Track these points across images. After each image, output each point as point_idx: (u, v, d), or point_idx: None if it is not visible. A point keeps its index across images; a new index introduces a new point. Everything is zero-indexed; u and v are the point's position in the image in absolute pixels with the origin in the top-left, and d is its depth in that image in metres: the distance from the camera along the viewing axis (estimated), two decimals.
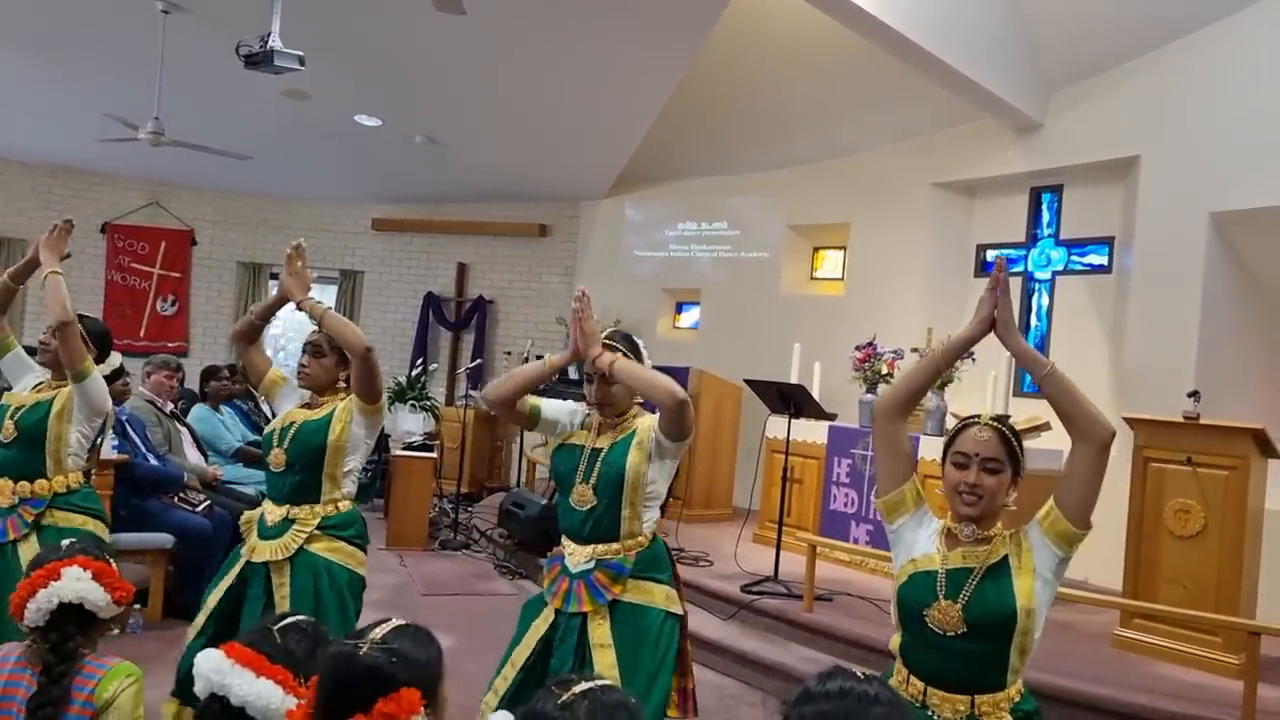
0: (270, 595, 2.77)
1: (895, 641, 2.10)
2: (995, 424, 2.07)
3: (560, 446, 2.66)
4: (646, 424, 2.58)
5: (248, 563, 2.82)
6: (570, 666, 2.41)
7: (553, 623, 2.51)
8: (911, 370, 2.25)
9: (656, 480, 2.56)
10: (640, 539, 2.52)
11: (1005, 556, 2.01)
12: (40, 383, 3.22)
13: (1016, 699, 1.97)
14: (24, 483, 3.04)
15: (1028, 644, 1.96)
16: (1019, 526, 2.07)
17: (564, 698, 1.31)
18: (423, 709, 1.42)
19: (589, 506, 2.52)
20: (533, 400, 2.69)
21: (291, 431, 2.85)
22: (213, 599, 2.83)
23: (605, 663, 2.39)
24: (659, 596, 2.51)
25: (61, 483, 3.08)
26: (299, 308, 2.84)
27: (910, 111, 7.41)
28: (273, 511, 2.85)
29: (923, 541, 2.09)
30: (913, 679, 2.00)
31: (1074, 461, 1.98)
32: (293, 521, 2.81)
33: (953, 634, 1.94)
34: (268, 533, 2.82)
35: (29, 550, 2.93)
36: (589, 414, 2.71)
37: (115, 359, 3.32)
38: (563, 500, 2.60)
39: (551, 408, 2.72)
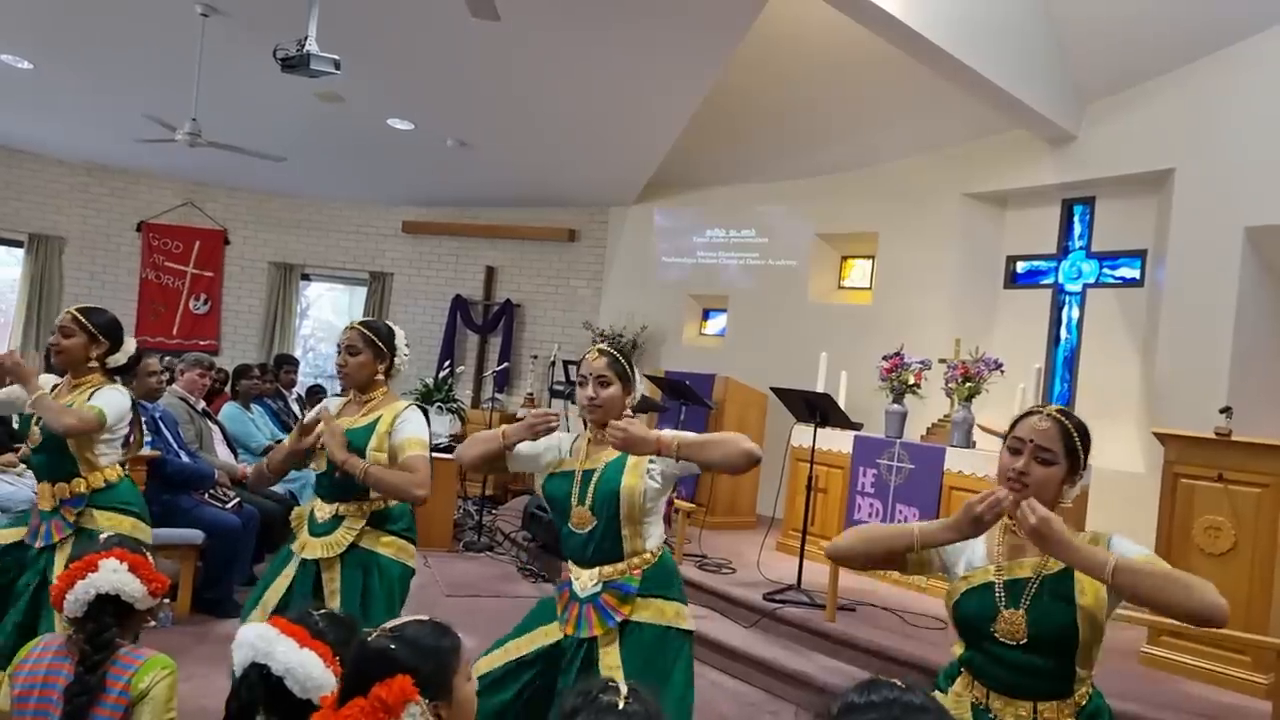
0: (319, 593, 2.80)
1: (957, 651, 2.06)
2: (1059, 415, 2.00)
3: (550, 476, 2.60)
4: None
5: (301, 560, 2.85)
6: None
7: (560, 645, 2.48)
8: (884, 533, 2.05)
9: (656, 497, 2.50)
10: (646, 555, 2.48)
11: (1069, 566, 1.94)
12: (58, 384, 3.24)
13: (1083, 703, 1.93)
14: (62, 484, 3.08)
15: (1094, 655, 1.91)
16: (1095, 532, 1.98)
17: (622, 705, 1.33)
18: (420, 697, 1.45)
19: (589, 528, 2.48)
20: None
21: None
22: (271, 596, 2.83)
23: None
24: (669, 613, 2.47)
25: (98, 479, 3.12)
26: (342, 467, 2.77)
27: (942, 121, 7.38)
28: (322, 509, 2.88)
29: (970, 554, 2.05)
30: (976, 684, 1.98)
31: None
32: (343, 518, 2.85)
33: (1017, 644, 1.90)
34: (318, 530, 2.85)
35: (62, 560, 2.95)
36: (576, 438, 2.66)
37: (130, 345, 3.29)
38: (562, 528, 2.56)
39: (526, 446, 2.61)
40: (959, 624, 2.02)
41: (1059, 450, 1.96)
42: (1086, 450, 2.00)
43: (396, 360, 3.01)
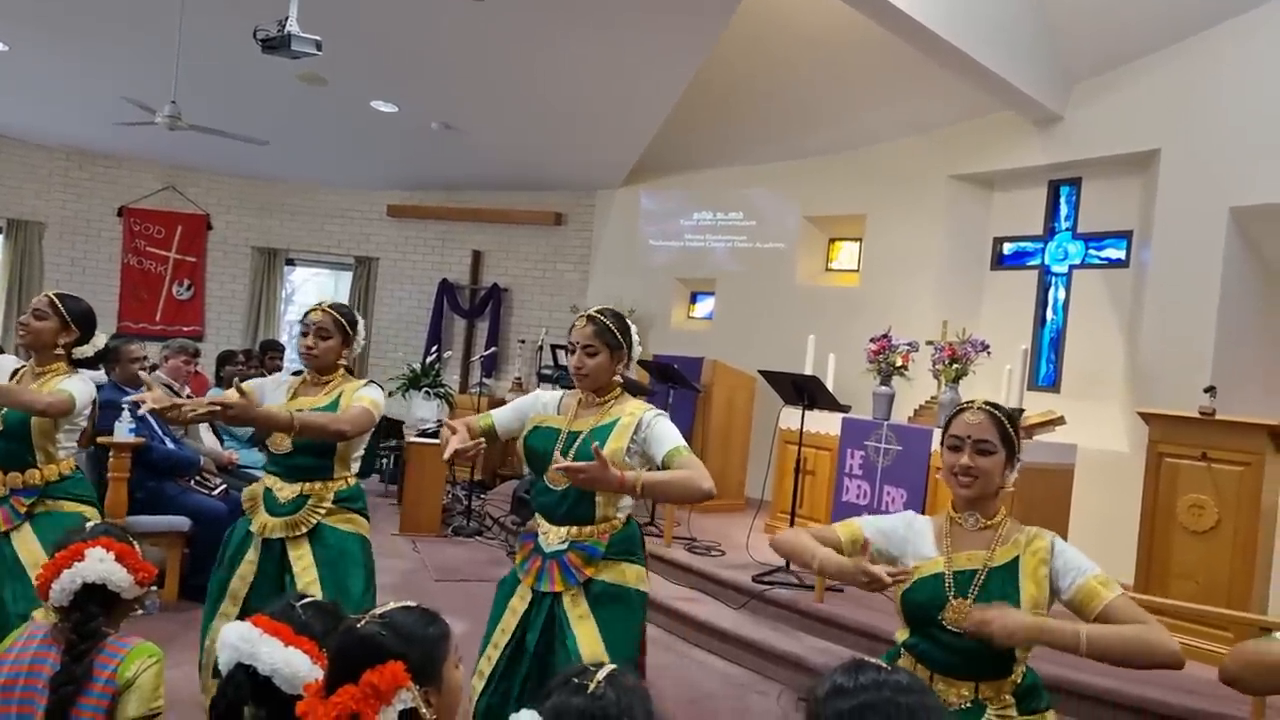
0: (281, 573, 2.82)
1: (901, 636, 2.12)
2: (987, 407, 2.10)
3: (535, 428, 2.63)
4: (633, 413, 2.55)
5: (262, 541, 2.86)
6: (541, 643, 2.44)
7: (529, 600, 2.53)
8: (804, 544, 2.13)
9: (634, 470, 2.52)
10: (615, 521, 2.53)
11: (1015, 559, 2.02)
12: (21, 368, 3.19)
13: (1019, 681, 2.01)
14: (15, 474, 3.04)
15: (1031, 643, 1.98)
16: (1039, 530, 2.07)
17: (592, 688, 1.33)
18: (412, 683, 1.45)
19: (564, 487, 2.50)
20: (484, 421, 2.68)
21: None
22: (239, 585, 2.85)
23: (588, 635, 2.40)
24: (631, 576, 2.52)
25: (53, 471, 3.09)
26: (266, 424, 2.78)
27: (929, 103, 7.37)
28: (283, 489, 2.88)
29: (918, 545, 2.13)
30: (919, 667, 2.04)
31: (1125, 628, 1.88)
32: (307, 498, 2.86)
33: (963, 631, 1.96)
34: (281, 510, 2.86)
35: (23, 540, 2.96)
36: (565, 395, 2.69)
37: (99, 340, 3.26)
38: (538, 481, 2.60)
39: (506, 416, 2.70)
40: (908, 610, 2.08)
41: (995, 439, 2.06)
42: (1018, 435, 2.11)
43: (356, 345, 3.05)
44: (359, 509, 2.98)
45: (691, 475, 2.37)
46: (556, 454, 2.53)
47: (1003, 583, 1.99)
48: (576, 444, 2.51)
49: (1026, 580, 1.98)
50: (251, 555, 2.87)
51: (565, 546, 2.49)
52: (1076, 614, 1.95)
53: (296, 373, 3.14)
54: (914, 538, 2.14)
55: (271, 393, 2.99)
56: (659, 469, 2.47)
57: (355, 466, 3.02)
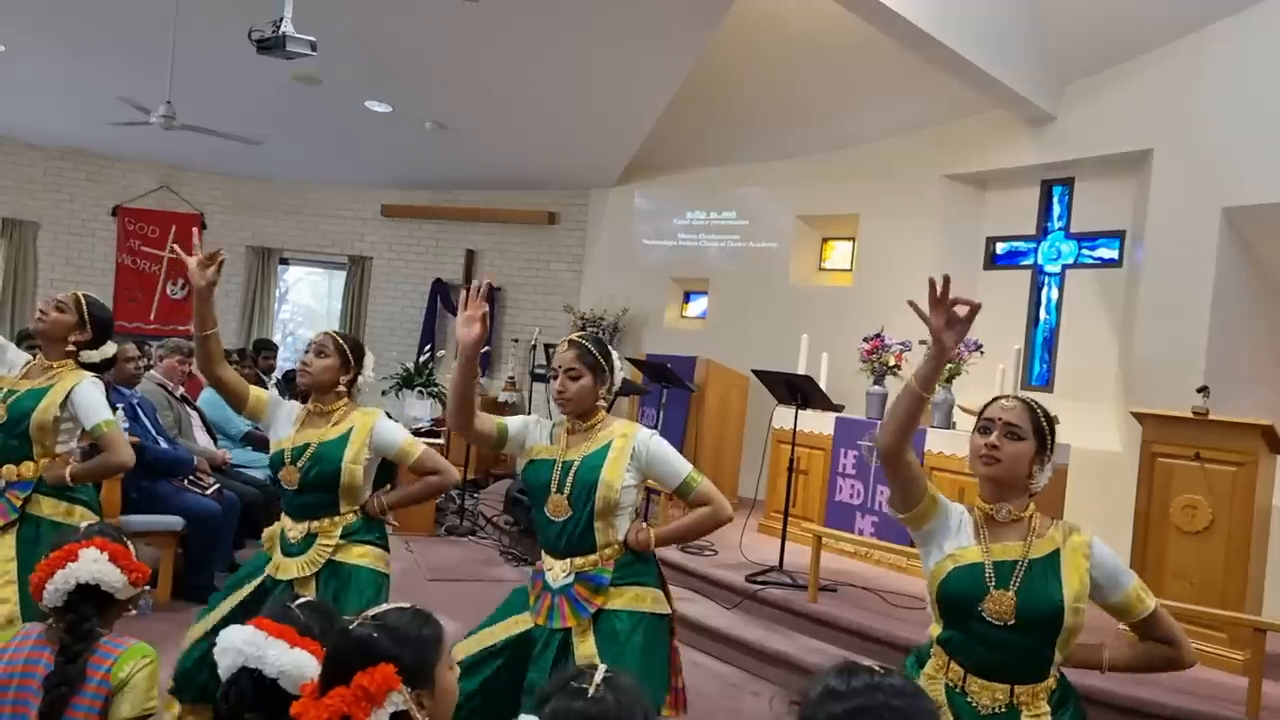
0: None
1: (934, 631, 2.08)
2: (1024, 397, 2.12)
3: (531, 463, 2.61)
4: (624, 437, 2.55)
5: (269, 577, 2.81)
6: (545, 681, 2.41)
7: (530, 634, 2.49)
8: (896, 401, 2.15)
9: (631, 493, 2.54)
10: (617, 546, 2.51)
11: (1055, 552, 2.01)
12: (30, 362, 3.17)
13: (1053, 687, 1.99)
14: (10, 466, 3.01)
15: (1071, 640, 1.97)
16: (1071, 524, 2.09)
17: (592, 692, 1.33)
18: (403, 685, 1.45)
19: (564, 518, 2.49)
20: (500, 420, 2.66)
21: (307, 452, 2.81)
22: (227, 605, 2.80)
23: None
24: (645, 600, 2.49)
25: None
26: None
27: (922, 102, 7.38)
28: (293, 528, 2.82)
29: (956, 536, 2.08)
30: (953, 665, 2.00)
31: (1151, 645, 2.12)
32: (315, 536, 2.80)
33: (1004, 624, 1.94)
34: (292, 549, 2.80)
35: (4, 545, 2.93)
36: (555, 425, 2.67)
37: (109, 349, 3.25)
38: (538, 514, 2.57)
39: (516, 424, 2.67)
40: (945, 601, 2.03)
41: (1026, 427, 2.05)
42: (1053, 433, 2.09)
43: (360, 378, 2.99)
44: (373, 540, 2.88)
45: (708, 514, 2.56)
46: (554, 482, 2.52)
47: (1044, 575, 1.97)
48: (572, 473, 2.51)
49: (1070, 573, 1.98)
50: (248, 590, 2.81)
51: (571, 580, 2.47)
52: (1116, 617, 2.10)
53: (290, 382, 3.11)
54: (959, 530, 2.11)
55: (283, 421, 2.93)
56: (672, 493, 2.59)
57: (368, 494, 2.91)
